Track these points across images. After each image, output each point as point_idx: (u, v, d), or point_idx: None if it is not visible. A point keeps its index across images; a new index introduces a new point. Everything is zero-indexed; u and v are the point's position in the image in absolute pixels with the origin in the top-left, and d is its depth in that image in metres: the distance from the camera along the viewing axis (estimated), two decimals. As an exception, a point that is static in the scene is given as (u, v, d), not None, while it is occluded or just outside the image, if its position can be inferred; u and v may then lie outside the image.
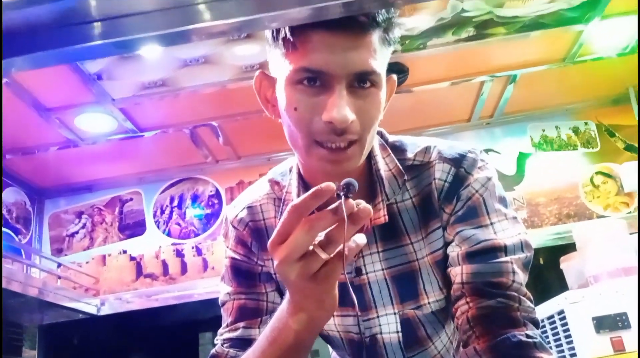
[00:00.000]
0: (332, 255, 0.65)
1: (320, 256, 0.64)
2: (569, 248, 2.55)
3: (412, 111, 2.84)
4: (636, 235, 2.21)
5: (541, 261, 3.16)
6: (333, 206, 0.63)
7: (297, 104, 0.82)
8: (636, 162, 2.86)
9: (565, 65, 2.61)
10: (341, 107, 0.78)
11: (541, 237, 2.87)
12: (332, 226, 0.64)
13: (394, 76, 0.94)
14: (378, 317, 0.99)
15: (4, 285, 2.32)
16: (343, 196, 0.62)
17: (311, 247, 0.64)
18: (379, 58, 0.82)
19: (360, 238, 0.66)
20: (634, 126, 2.97)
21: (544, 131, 3.06)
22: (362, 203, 0.64)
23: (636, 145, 2.96)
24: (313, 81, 0.81)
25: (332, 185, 0.62)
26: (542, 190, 2.96)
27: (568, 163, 3.00)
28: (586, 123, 3.05)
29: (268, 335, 0.80)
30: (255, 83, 0.93)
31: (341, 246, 0.64)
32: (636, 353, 1.93)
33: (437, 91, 2.73)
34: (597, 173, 2.97)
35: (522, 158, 3.02)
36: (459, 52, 2.41)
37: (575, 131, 3.05)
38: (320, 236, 0.64)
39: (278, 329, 0.77)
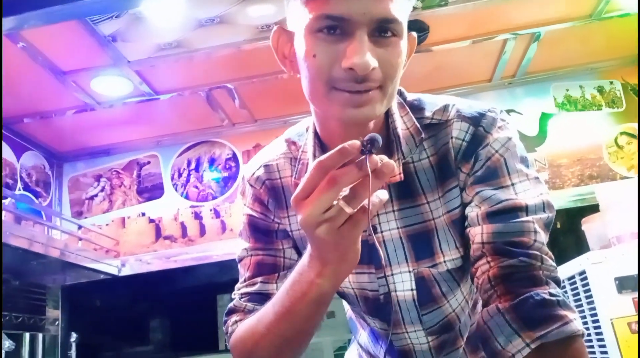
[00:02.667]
0: (356, 209, 0.65)
1: (344, 210, 0.65)
2: (591, 209, 2.52)
3: (432, 72, 2.79)
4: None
5: (562, 223, 3.13)
6: (357, 161, 0.63)
7: (317, 51, 0.80)
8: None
9: (591, 22, 2.52)
10: (362, 54, 0.76)
11: (563, 199, 2.84)
12: (356, 181, 0.64)
13: (414, 34, 0.92)
14: (393, 274, 0.99)
15: (26, 246, 2.35)
16: (368, 152, 0.62)
17: (335, 202, 0.65)
18: (400, 8, 0.80)
19: (383, 194, 0.67)
20: (661, 85, 2.89)
21: (567, 90, 2.99)
22: (385, 159, 0.64)
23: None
24: (333, 29, 0.79)
25: (357, 143, 0.62)
26: (565, 151, 2.91)
27: (592, 124, 2.94)
28: (611, 82, 2.97)
29: (288, 289, 0.81)
30: (273, 39, 0.91)
31: (365, 200, 0.64)
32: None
33: (457, 50, 2.66)
34: (621, 133, 2.90)
35: (544, 118, 2.96)
36: (481, 9, 2.34)
37: (600, 90, 2.97)
38: (344, 191, 0.65)
39: (299, 282, 0.78)
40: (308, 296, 0.77)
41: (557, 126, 2.95)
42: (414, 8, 2.23)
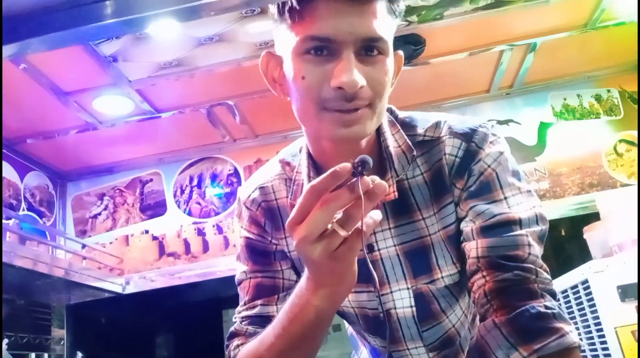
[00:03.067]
0: (350, 232, 0.65)
1: (339, 234, 0.65)
2: (592, 217, 2.52)
3: (430, 84, 2.80)
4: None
5: (563, 232, 3.13)
6: (349, 183, 0.63)
7: (305, 72, 0.82)
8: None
9: (587, 31, 2.54)
10: (350, 72, 0.78)
11: (564, 207, 2.84)
12: (349, 204, 0.64)
13: (401, 52, 0.93)
14: (392, 292, 1.00)
15: (30, 267, 2.37)
16: (359, 174, 0.63)
17: (330, 225, 0.65)
18: (385, 26, 0.82)
19: (377, 214, 0.67)
20: (659, 92, 2.90)
21: (565, 99, 3.00)
22: (377, 179, 0.64)
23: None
24: (320, 50, 0.80)
25: (348, 165, 0.63)
26: (564, 160, 2.91)
27: (590, 132, 2.94)
28: (609, 91, 2.98)
29: (288, 312, 0.81)
30: (262, 64, 0.92)
31: (359, 222, 0.65)
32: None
33: (455, 62, 2.68)
34: (620, 140, 2.90)
35: (543, 127, 2.97)
36: (477, 21, 2.36)
37: (598, 98, 2.98)
38: (338, 214, 0.65)
39: (299, 305, 0.78)
40: (307, 318, 0.78)
41: (556, 135, 2.96)
42: (410, 22, 2.26)
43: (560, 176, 2.90)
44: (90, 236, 3.18)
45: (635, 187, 2.73)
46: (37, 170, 3.06)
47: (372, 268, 0.75)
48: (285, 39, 0.86)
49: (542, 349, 0.77)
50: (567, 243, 3.13)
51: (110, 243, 3.16)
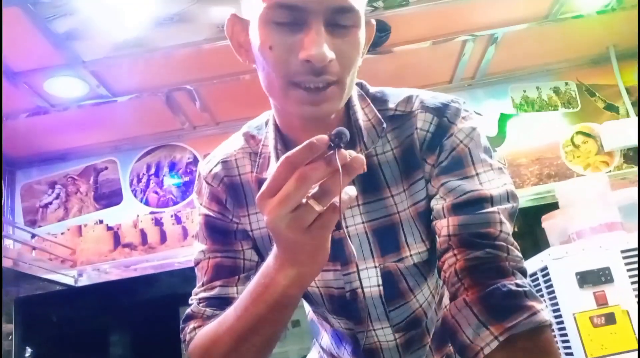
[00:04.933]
0: (325, 207, 0.62)
1: (314, 208, 0.61)
2: (550, 207, 2.57)
3: (393, 74, 2.80)
4: (619, 191, 2.23)
5: (521, 222, 3.18)
6: (326, 156, 0.60)
7: (272, 43, 0.78)
8: (616, 121, 2.88)
9: (547, 23, 2.58)
10: (319, 45, 0.74)
11: (523, 197, 2.88)
12: (325, 178, 0.61)
13: (373, 21, 0.91)
14: (359, 270, 0.97)
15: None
16: (336, 146, 0.60)
17: (304, 200, 0.61)
18: None
19: (352, 190, 0.63)
20: (614, 86, 2.97)
21: (525, 91, 3.05)
22: (354, 153, 0.61)
23: (616, 104, 2.97)
24: (288, 18, 0.76)
25: (325, 137, 0.59)
26: (524, 151, 2.96)
27: (549, 124, 3.00)
28: (567, 83, 3.05)
29: (252, 292, 0.77)
30: (227, 27, 0.88)
31: (335, 198, 0.61)
32: (618, 306, 1.96)
33: (418, 52, 2.68)
34: (577, 132, 2.97)
35: (503, 119, 3.01)
36: (441, 10, 2.36)
37: (556, 91, 3.04)
38: (313, 189, 0.62)
39: (264, 285, 0.74)
40: (272, 299, 0.74)
41: (516, 126, 3.00)
42: (375, 8, 2.24)
43: (519, 167, 2.95)
44: (40, 227, 3.04)
45: (595, 175, 2.80)
46: (-17, 156, 2.91)
47: (350, 245, 0.71)
48: (251, 3, 0.81)
49: (514, 327, 0.76)
50: (525, 232, 3.19)
51: (62, 233, 3.03)
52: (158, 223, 3.02)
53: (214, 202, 0.99)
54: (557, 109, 3.02)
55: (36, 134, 2.88)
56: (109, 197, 3.08)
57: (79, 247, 3.01)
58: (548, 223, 2.43)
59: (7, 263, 2.47)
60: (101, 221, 3.05)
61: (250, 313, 0.77)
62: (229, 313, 0.82)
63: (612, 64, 2.95)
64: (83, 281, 2.99)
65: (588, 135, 2.95)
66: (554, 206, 2.51)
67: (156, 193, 3.07)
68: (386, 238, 0.95)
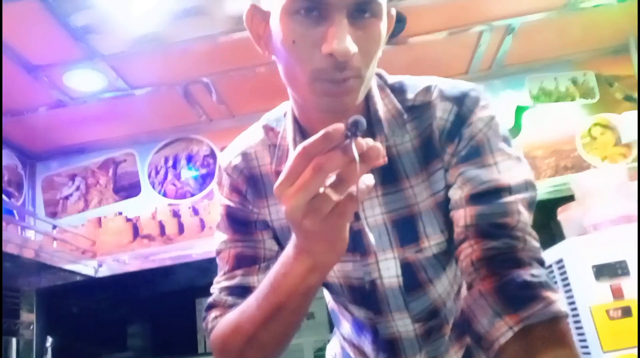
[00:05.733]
0: (343, 197, 0.62)
1: (331, 198, 0.61)
2: (566, 200, 2.55)
3: (409, 66, 2.78)
4: (636, 182, 2.20)
5: (537, 214, 3.17)
6: (343, 145, 0.59)
7: (295, 37, 0.77)
8: (635, 111, 2.84)
9: (566, 12, 2.55)
10: (342, 39, 0.74)
11: (538, 190, 2.85)
12: (342, 167, 0.60)
13: (393, 11, 0.90)
14: (378, 261, 0.97)
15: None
16: (353, 135, 0.59)
17: (321, 190, 0.61)
18: None
19: (369, 179, 0.63)
20: (633, 77, 2.93)
21: (542, 82, 3.02)
22: (371, 142, 0.61)
23: (635, 95, 2.93)
24: (311, 10, 0.76)
25: (341, 126, 0.59)
26: (540, 143, 2.94)
27: (566, 115, 2.97)
28: (585, 74, 3.01)
29: (272, 281, 0.77)
30: (247, 18, 0.88)
31: (353, 187, 0.61)
32: (635, 299, 1.95)
33: (434, 44, 2.67)
34: (595, 124, 2.94)
35: (519, 111, 2.99)
36: (457, 0, 2.35)
37: (574, 82, 3.01)
38: (330, 178, 0.61)
39: (283, 274, 0.75)
40: (293, 289, 0.74)
41: (532, 118, 2.98)
42: (391, -1, 2.24)
43: (535, 159, 2.92)
44: (61, 218, 3.10)
45: (611, 166, 2.77)
46: (5, 149, 2.96)
47: (370, 235, 0.72)
48: None
49: (528, 318, 0.75)
50: (542, 224, 3.17)
51: (82, 225, 3.09)
52: (176, 214, 3.06)
53: (235, 193, 1.00)
54: (575, 100, 2.98)
55: (56, 127, 2.93)
56: (127, 189, 3.12)
57: (99, 238, 3.06)
58: (564, 215, 2.41)
59: (29, 253, 2.52)
60: (120, 213, 3.09)
61: (270, 302, 0.78)
62: (250, 302, 0.83)
63: (631, 55, 2.90)
64: (103, 272, 3.04)
65: (606, 126, 2.92)
66: (570, 198, 2.50)
67: (174, 185, 3.10)
68: (405, 229, 0.95)
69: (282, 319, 0.80)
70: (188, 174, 3.11)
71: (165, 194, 3.09)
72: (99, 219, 3.10)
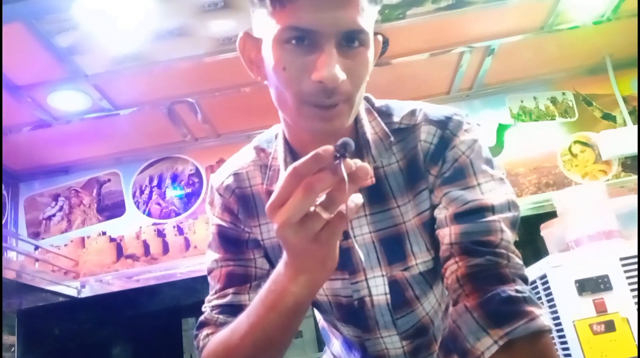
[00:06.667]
0: (333, 215, 0.64)
1: (322, 216, 0.63)
2: (548, 216, 2.58)
3: (391, 85, 2.82)
4: (616, 199, 2.24)
5: (520, 230, 3.20)
6: (332, 166, 0.62)
7: (286, 64, 0.80)
8: (613, 130, 2.90)
9: (543, 34, 2.62)
10: (331, 67, 0.77)
11: (521, 206, 2.87)
12: (332, 187, 0.62)
13: (380, 37, 0.93)
14: (366, 279, 0.99)
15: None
16: (341, 156, 0.62)
17: (312, 208, 0.63)
18: (367, 16, 0.81)
19: (358, 198, 0.65)
20: (611, 95, 3.00)
21: (522, 102, 3.08)
22: (359, 162, 0.63)
23: (613, 113, 3.00)
24: (301, 40, 0.79)
25: (331, 148, 0.61)
26: (522, 160, 2.99)
27: (546, 133, 3.03)
28: (564, 93, 3.08)
29: (263, 299, 0.79)
30: (239, 44, 0.91)
31: (342, 206, 0.63)
32: (617, 313, 1.97)
33: (416, 64, 2.71)
34: (575, 141, 3.00)
35: (501, 129, 3.04)
36: (438, 22, 2.40)
37: (553, 101, 3.08)
38: (320, 198, 0.64)
39: (275, 292, 0.76)
40: (284, 306, 0.76)
41: (514, 136, 3.03)
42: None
43: (517, 176, 2.97)
44: (44, 239, 3.07)
45: (592, 184, 2.82)
46: (-13, 169, 2.93)
47: (359, 253, 0.74)
48: (264, 24, 0.84)
49: (512, 332, 0.77)
50: (524, 240, 3.20)
51: (65, 245, 3.06)
52: (160, 234, 3.05)
53: (226, 213, 1.02)
54: (555, 119, 3.05)
55: (39, 147, 2.91)
56: (111, 209, 3.11)
57: (82, 258, 3.03)
58: (546, 231, 2.44)
59: (10, 274, 2.49)
60: (104, 233, 3.07)
61: (262, 320, 0.79)
62: (241, 320, 0.84)
63: (608, 74, 2.97)
64: (86, 293, 3.00)
65: (585, 144, 2.98)
66: (552, 214, 2.53)
67: (159, 204, 3.09)
68: (393, 248, 0.97)
69: (273, 337, 0.81)
70: (173, 193, 3.11)
71: (149, 214, 3.08)
72: (83, 239, 3.07)
